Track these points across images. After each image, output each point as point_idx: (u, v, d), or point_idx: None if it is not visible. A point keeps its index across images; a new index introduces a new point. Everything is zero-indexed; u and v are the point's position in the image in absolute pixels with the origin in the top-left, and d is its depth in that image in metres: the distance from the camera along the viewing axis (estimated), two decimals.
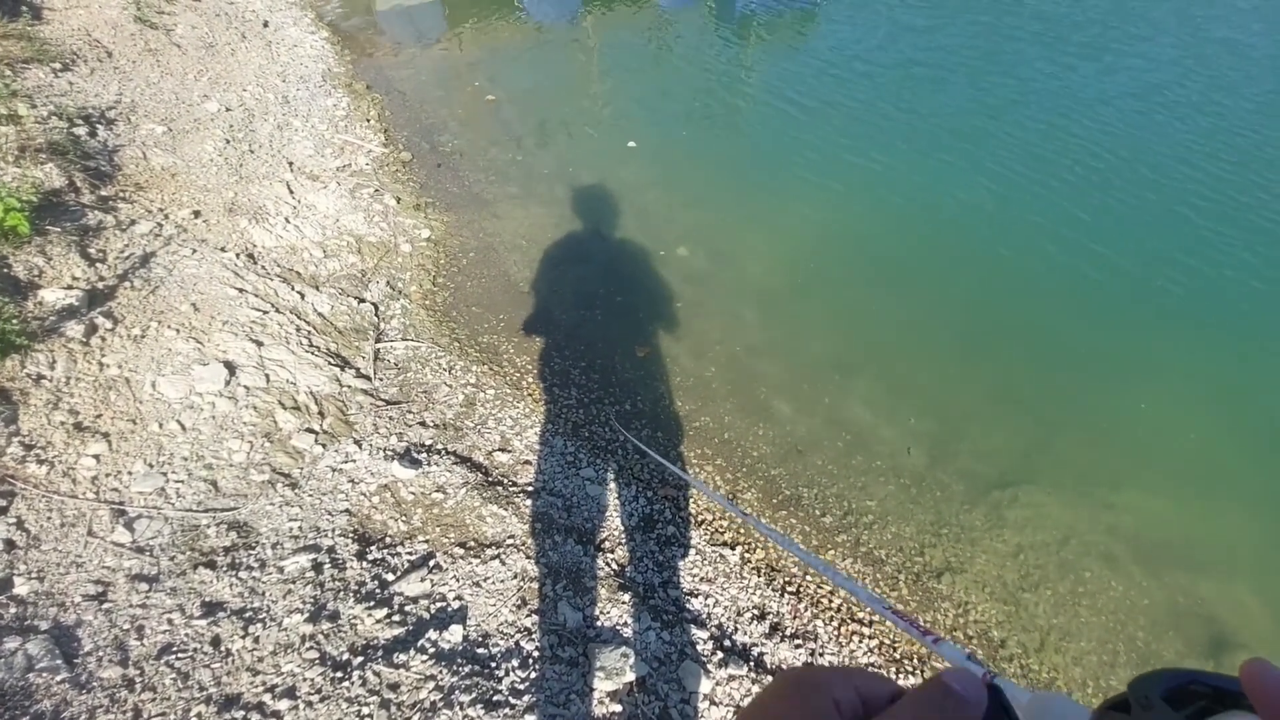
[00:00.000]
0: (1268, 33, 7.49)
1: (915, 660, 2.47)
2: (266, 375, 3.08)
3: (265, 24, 6.69)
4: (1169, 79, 6.52)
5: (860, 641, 2.49)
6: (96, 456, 2.55)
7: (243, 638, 2.09)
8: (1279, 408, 3.53)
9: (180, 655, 2.02)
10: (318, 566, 2.36)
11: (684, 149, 5.77)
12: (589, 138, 5.88)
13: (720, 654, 2.28)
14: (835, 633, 2.50)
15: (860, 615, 2.59)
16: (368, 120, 5.72)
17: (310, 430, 2.92)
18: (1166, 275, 4.30)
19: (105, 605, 2.13)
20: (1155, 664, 2.59)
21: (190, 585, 2.24)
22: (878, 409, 3.57)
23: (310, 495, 2.65)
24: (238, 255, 3.72)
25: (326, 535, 2.49)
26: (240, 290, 3.47)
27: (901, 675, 2.41)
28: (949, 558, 2.92)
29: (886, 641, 2.51)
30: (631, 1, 8.69)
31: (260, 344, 3.21)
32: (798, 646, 2.40)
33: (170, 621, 2.12)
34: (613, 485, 2.97)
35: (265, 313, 3.41)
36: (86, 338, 2.91)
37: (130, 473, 2.54)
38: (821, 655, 2.40)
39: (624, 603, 2.41)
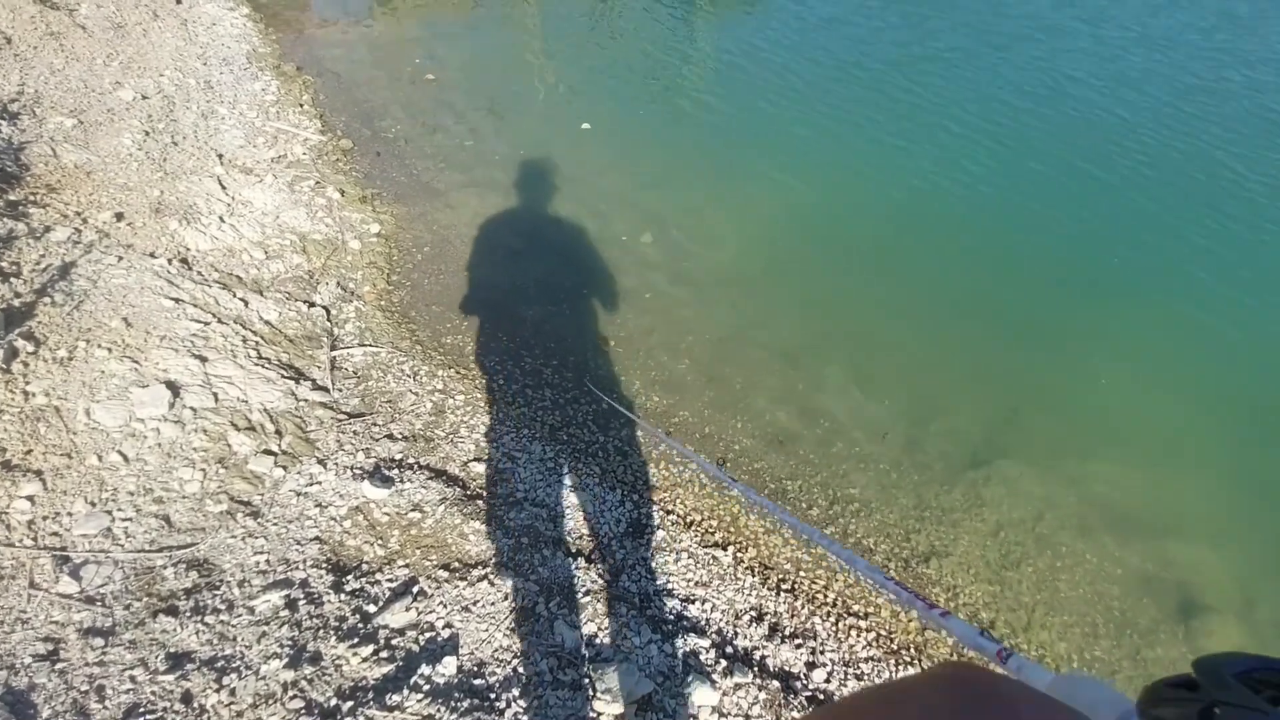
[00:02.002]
0: (1213, 10, 7.76)
1: (912, 650, 2.49)
2: (214, 394, 2.84)
3: (178, 0, 6.14)
4: (1128, 59, 6.70)
5: (859, 635, 2.49)
6: (30, 498, 2.29)
7: (217, 691, 1.92)
8: (1228, 374, 3.70)
9: (149, 716, 1.84)
10: (292, 603, 2.19)
11: (640, 129, 5.62)
12: (541, 119, 5.65)
13: (724, 662, 2.24)
14: (834, 628, 2.49)
15: (855, 608, 2.59)
16: (301, 105, 5.34)
17: (268, 452, 2.71)
18: (1121, 251, 4.44)
19: (58, 665, 1.92)
20: (1132, 633, 2.69)
21: (151, 636, 2.05)
22: (852, 394, 3.57)
23: (275, 524, 2.46)
24: (170, 261, 3.41)
25: (298, 567, 2.32)
26: (176, 300, 3.19)
27: (900, 666, 2.42)
28: (934, 541, 2.95)
29: (884, 633, 2.52)
30: None
31: (204, 359, 2.96)
32: (798, 646, 2.39)
33: (133, 679, 1.93)
34: (597, 490, 2.88)
35: (207, 324, 3.14)
36: (6, 363, 2.61)
37: (71, 514, 2.29)
38: (822, 653, 2.39)
39: (621, 616, 2.33)
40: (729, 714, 2.08)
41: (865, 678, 2.33)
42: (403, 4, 7.42)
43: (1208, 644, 2.72)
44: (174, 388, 2.78)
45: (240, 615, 2.13)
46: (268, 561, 2.32)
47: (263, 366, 3.07)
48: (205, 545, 2.34)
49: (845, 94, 5.95)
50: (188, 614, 2.11)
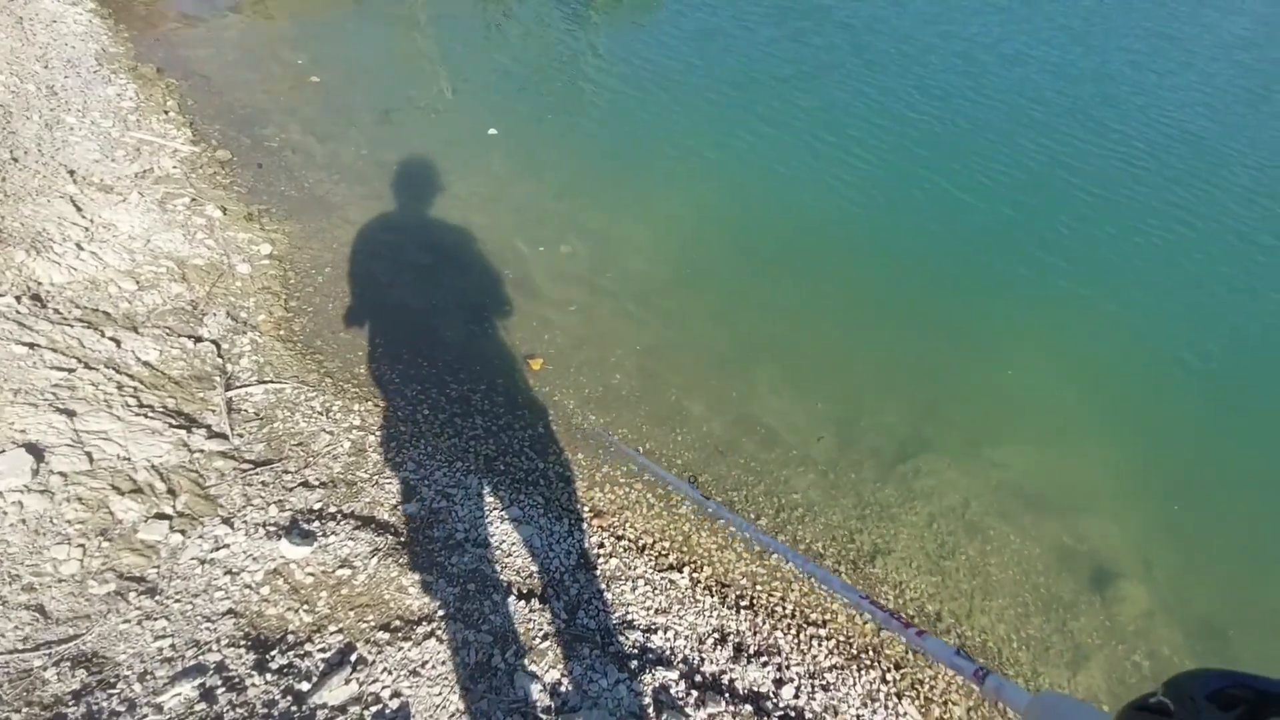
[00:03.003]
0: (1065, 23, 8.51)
1: (871, 653, 2.53)
2: (88, 454, 2.45)
3: None
4: (1024, 57, 7.22)
5: (819, 645, 2.49)
6: None
7: None
8: (1118, 358, 4.05)
9: None
10: (208, 693, 1.91)
11: (549, 134, 5.46)
12: (442, 125, 5.36)
13: (695, 692, 2.17)
14: (796, 640, 2.49)
15: (814, 617, 2.60)
16: (165, 112, 4.78)
17: (162, 516, 2.37)
18: (1022, 248, 4.77)
19: None
20: (1058, 607, 2.87)
21: None
22: (783, 397, 3.61)
23: (178, 600, 2.14)
24: (19, 299, 2.93)
25: (210, 649, 2.03)
26: (30, 346, 2.73)
27: (861, 670, 2.45)
28: (876, 540, 3.03)
29: (843, 639, 2.54)
30: None
31: (72, 414, 2.55)
32: (764, 664, 2.36)
33: None
34: (542, 522, 2.73)
35: (71, 371, 2.71)
36: None
37: None
38: (788, 668, 2.37)
39: (584, 657, 2.21)
40: None
41: (831, 688, 2.33)
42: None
43: (1121, 610, 2.96)
44: (37, 451, 2.37)
45: (145, 715, 1.83)
46: (173, 646, 2.02)
47: (145, 416, 2.69)
48: (92, 636, 2.00)
49: (748, 102, 6.06)
50: None
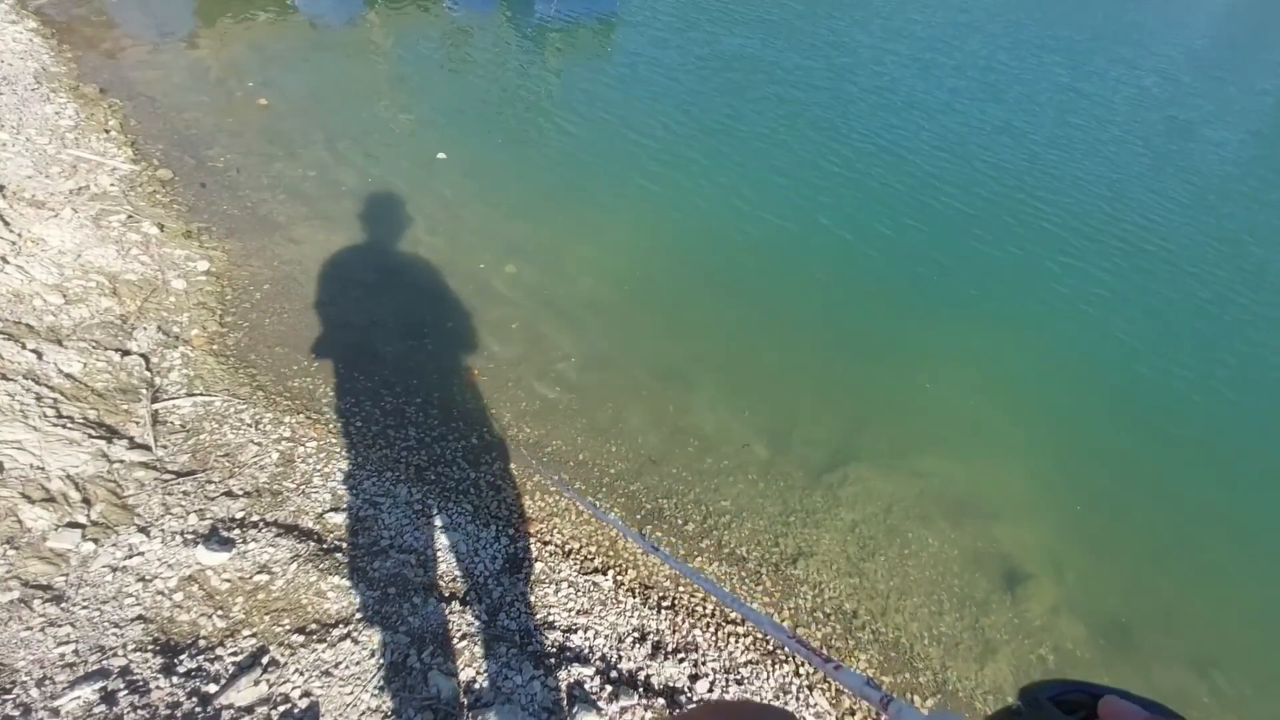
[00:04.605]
0: (1036, 25, 9.11)
1: (786, 651, 2.61)
2: None
3: None
4: (941, 102, 7.67)
5: (736, 641, 2.57)
6: None
7: None
8: (1027, 372, 4.30)
9: None
10: (109, 696, 1.89)
11: (498, 159, 5.59)
12: (391, 149, 5.45)
13: (609, 687, 2.22)
14: (713, 638, 2.55)
15: (733, 616, 2.67)
16: (106, 131, 4.77)
17: (74, 525, 2.34)
18: (938, 269, 5.05)
19: None
20: (970, 605, 3.00)
21: None
22: (718, 410, 3.73)
23: (84, 608, 2.11)
24: None
25: (115, 654, 2.01)
26: None
27: (775, 665, 2.53)
28: (799, 544, 3.13)
29: (759, 637, 2.62)
30: (419, 5, 8.24)
31: None
32: (681, 661, 2.42)
33: None
34: (470, 529, 2.76)
35: None
36: None
37: None
38: (704, 664, 2.43)
39: (501, 656, 2.24)
40: None
41: (745, 682, 2.40)
42: (230, 25, 6.89)
43: (1029, 608, 3.11)
44: None
45: (40, 719, 1.80)
46: (75, 652, 1.99)
47: (64, 427, 2.66)
48: None
49: (690, 137, 6.32)
50: None
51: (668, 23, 8.87)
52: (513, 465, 3.18)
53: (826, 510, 3.34)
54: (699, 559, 2.94)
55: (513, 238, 4.69)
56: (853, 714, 2.45)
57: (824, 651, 1.05)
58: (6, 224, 3.54)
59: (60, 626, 2.05)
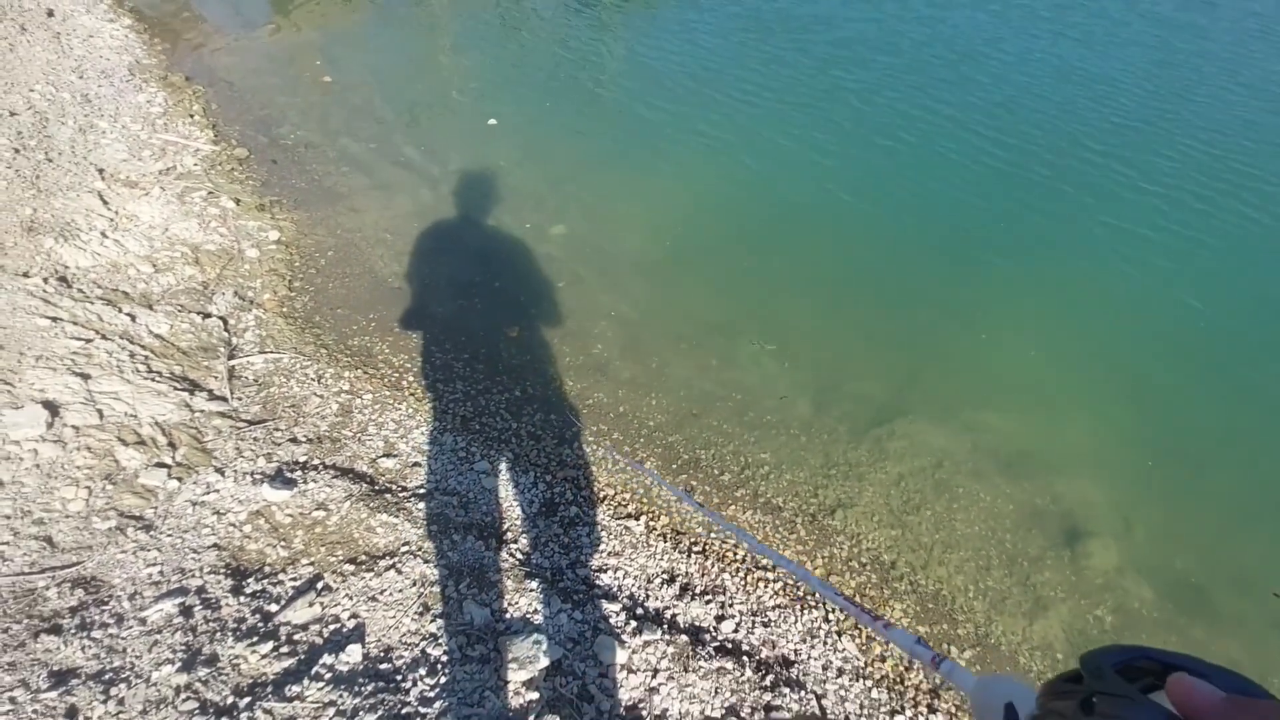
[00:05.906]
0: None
1: (816, 596, 2.60)
2: (99, 411, 2.72)
3: (50, 13, 5.82)
4: (1007, 54, 7.12)
5: (765, 586, 2.58)
6: None
7: (104, 702, 1.85)
8: (1093, 324, 4.00)
9: None
10: (186, 610, 2.13)
11: (547, 123, 5.65)
12: (446, 118, 5.61)
13: (634, 623, 2.30)
14: (742, 582, 2.58)
15: (764, 562, 2.69)
16: (191, 116, 5.15)
17: (161, 465, 2.62)
18: (996, 221, 4.73)
19: None
20: (1022, 561, 2.88)
21: (33, 656, 1.96)
22: (763, 366, 3.69)
23: (169, 535, 2.38)
24: (46, 280, 3.25)
25: (194, 575, 2.26)
26: (54, 319, 3.04)
27: (805, 610, 2.53)
28: (839, 495, 3.09)
29: (790, 583, 2.62)
30: None
31: (86, 377, 2.83)
32: (708, 602, 2.46)
33: (13, 700, 1.84)
34: (509, 475, 2.89)
35: (89, 341, 3.00)
36: None
37: None
38: (731, 605, 2.47)
39: (532, 590, 2.36)
40: (638, 669, 2.14)
41: (772, 624, 2.42)
42: (300, 11, 7.23)
43: (1090, 566, 2.95)
44: (53, 407, 2.65)
45: (130, 627, 2.06)
46: (160, 573, 2.25)
47: (153, 380, 2.96)
48: (93, 562, 2.25)
49: (744, 88, 6.13)
50: (73, 631, 2.03)
51: None
52: (553, 416, 3.28)
53: (871, 464, 3.26)
54: (733, 507, 2.96)
55: (561, 200, 4.75)
56: (882, 660, 2.43)
57: (873, 611, 1.03)
58: (106, 203, 3.92)
59: (149, 551, 2.32)
